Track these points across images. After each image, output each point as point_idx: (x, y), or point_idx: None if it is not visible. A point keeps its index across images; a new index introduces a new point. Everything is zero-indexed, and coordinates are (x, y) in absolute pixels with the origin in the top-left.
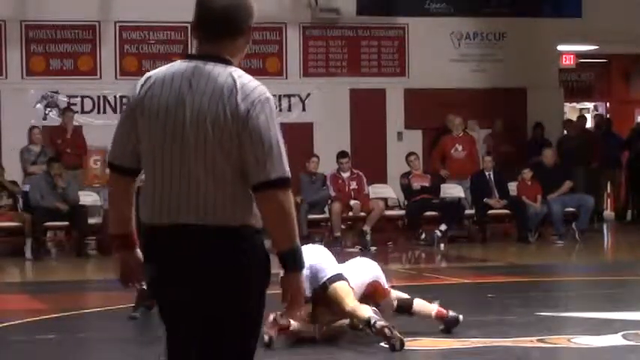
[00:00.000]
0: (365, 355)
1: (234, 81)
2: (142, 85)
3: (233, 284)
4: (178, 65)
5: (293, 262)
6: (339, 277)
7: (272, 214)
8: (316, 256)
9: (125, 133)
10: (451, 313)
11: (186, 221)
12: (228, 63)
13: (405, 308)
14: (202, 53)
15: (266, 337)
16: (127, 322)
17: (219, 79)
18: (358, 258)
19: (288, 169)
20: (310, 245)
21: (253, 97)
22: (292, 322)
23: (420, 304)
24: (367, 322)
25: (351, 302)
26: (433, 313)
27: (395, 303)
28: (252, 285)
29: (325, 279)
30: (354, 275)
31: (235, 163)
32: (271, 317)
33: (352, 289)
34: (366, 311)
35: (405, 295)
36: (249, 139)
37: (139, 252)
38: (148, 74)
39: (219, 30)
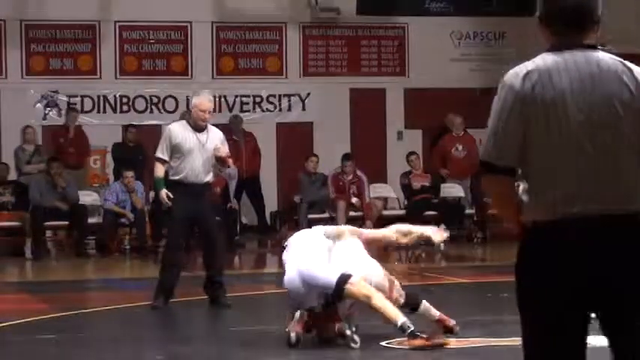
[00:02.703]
0: (366, 354)
1: (624, 64)
2: (524, 80)
3: None
4: (555, 57)
5: None
6: (347, 277)
7: None
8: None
9: (513, 130)
10: (451, 322)
11: (609, 210)
12: (597, 49)
13: (411, 305)
14: (573, 44)
15: (293, 336)
16: (126, 322)
17: (611, 63)
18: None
19: None
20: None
21: None
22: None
23: (426, 306)
24: (401, 328)
25: (378, 300)
26: (436, 317)
27: (402, 298)
28: None
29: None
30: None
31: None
32: (297, 314)
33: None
34: (397, 316)
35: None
36: None
37: None
38: (525, 68)
39: (583, 22)
